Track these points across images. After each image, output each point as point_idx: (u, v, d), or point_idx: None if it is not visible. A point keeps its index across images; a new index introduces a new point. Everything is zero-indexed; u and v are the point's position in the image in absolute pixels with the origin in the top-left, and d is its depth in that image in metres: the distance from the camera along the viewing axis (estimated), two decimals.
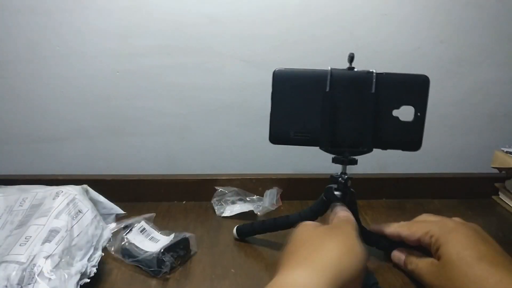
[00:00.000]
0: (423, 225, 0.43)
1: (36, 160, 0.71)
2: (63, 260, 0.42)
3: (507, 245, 0.56)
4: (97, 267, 0.45)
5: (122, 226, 0.53)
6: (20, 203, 0.50)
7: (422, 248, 0.44)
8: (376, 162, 0.75)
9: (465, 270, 0.34)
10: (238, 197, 0.65)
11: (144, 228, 0.54)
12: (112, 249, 0.51)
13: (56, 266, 0.40)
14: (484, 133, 0.75)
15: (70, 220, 0.46)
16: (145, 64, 0.66)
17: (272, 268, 0.49)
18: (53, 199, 0.49)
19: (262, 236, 0.56)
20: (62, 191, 0.50)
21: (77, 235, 0.45)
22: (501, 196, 0.71)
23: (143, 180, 0.68)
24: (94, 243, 0.47)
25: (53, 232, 0.44)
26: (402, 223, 0.47)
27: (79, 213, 0.48)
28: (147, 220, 0.55)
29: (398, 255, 0.47)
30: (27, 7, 0.62)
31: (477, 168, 0.74)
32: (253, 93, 0.68)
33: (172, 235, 0.52)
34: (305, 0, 0.64)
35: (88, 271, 0.44)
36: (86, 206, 0.50)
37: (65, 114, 0.68)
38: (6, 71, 0.65)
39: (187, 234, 0.52)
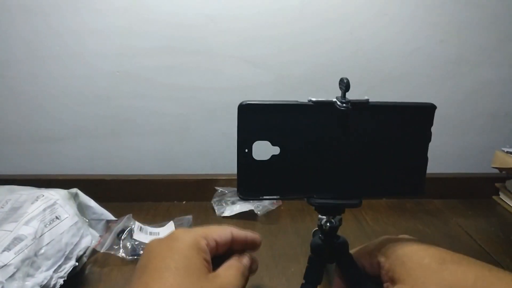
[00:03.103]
0: (366, 250, 0.35)
1: (36, 160, 0.71)
2: (20, 270, 0.39)
3: (507, 245, 0.56)
4: (65, 278, 0.43)
5: (118, 231, 0.53)
6: (3, 204, 0.49)
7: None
8: None
9: (435, 278, 0.28)
10: (238, 197, 0.65)
11: (140, 227, 0.54)
12: (123, 254, 0.50)
13: (10, 278, 0.38)
14: (485, 133, 0.75)
15: (41, 227, 0.44)
16: (145, 65, 0.66)
17: (272, 268, 0.49)
18: (32, 203, 0.46)
19: (262, 236, 0.56)
20: (43, 195, 0.48)
21: (47, 244, 0.43)
22: (502, 196, 0.70)
23: (143, 180, 0.68)
24: (66, 252, 0.45)
25: (16, 240, 0.41)
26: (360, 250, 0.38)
27: (55, 219, 0.46)
28: (133, 220, 0.55)
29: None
30: (27, 8, 0.62)
31: (478, 168, 0.74)
32: (253, 93, 0.68)
33: (171, 223, 0.55)
34: (305, 0, 0.64)
35: (53, 282, 0.42)
36: (67, 212, 0.48)
37: (65, 114, 0.68)
38: (6, 71, 0.65)
39: (186, 217, 0.56)
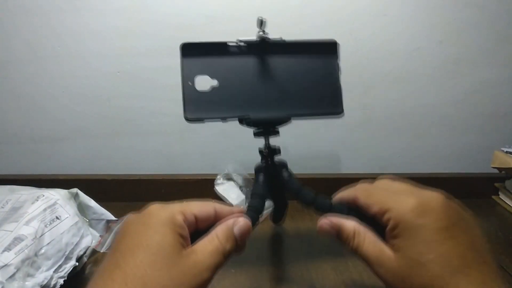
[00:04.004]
0: (383, 198, 0.30)
1: (36, 160, 0.71)
2: (21, 271, 0.39)
3: (507, 245, 0.56)
4: (65, 278, 0.43)
5: (118, 231, 0.53)
6: (3, 204, 0.49)
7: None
8: (376, 162, 0.75)
9: (427, 280, 0.25)
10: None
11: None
12: None
13: (10, 278, 0.38)
14: (484, 133, 0.75)
15: (42, 227, 0.44)
16: (145, 65, 0.66)
17: (272, 269, 0.49)
18: (32, 203, 0.46)
19: (262, 236, 0.56)
20: (44, 195, 0.48)
21: (48, 244, 0.43)
22: (501, 196, 0.71)
23: (143, 180, 0.68)
24: (67, 252, 0.45)
25: (17, 240, 0.41)
26: (363, 185, 0.34)
27: (56, 219, 0.46)
28: None
29: (332, 222, 0.32)
30: (27, 8, 0.62)
31: (477, 168, 0.74)
32: None
33: None
34: (305, 1, 0.64)
35: (53, 282, 0.42)
36: (67, 212, 0.48)
37: (65, 114, 0.69)
38: (7, 71, 0.65)
39: None
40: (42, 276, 0.41)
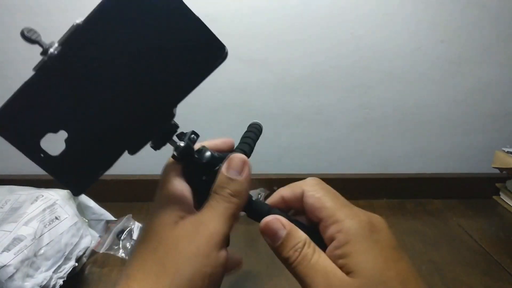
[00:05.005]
0: (334, 206, 0.26)
1: None
2: (20, 271, 0.39)
3: (508, 245, 0.56)
4: (65, 278, 0.43)
5: (118, 231, 0.53)
6: (2, 205, 0.49)
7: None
8: (377, 162, 0.75)
9: None
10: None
11: (140, 227, 0.54)
12: (123, 254, 0.50)
13: (10, 278, 0.38)
14: (485, 133, 0.74)
15: (41, 227, 0.44)
16: None
17: (271, 268, 0.49)
18: (31, 203, 0.46)
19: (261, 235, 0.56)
20: (43, 195, 0.48)
21: (47, 244, 0.43)
22: (502, 196, 0.70)
23: (143, 180, 0.67)
24: (66, 253, 0.45)
25: (16, 241, 0.41)
26: (313, 182, 0.28)
27: (55, 219, 0.46)
28: (132, 220, 0.55)
29: (277, 224, 0.28)
30: (27, 7, 0.62)
31: (478, 168, 0.74)
32: (253, 93, 0.68)
33: None
34: (306, 0, 0.64)
35: (52, 283, 0.42)
36: (66, 212, 0.48)
37: None
38: (6, 71, 0.65)
39: None
40: (41, 276, 0.41)
